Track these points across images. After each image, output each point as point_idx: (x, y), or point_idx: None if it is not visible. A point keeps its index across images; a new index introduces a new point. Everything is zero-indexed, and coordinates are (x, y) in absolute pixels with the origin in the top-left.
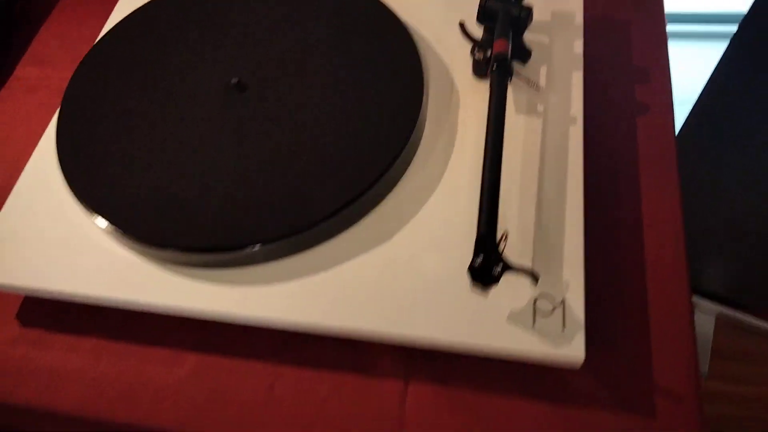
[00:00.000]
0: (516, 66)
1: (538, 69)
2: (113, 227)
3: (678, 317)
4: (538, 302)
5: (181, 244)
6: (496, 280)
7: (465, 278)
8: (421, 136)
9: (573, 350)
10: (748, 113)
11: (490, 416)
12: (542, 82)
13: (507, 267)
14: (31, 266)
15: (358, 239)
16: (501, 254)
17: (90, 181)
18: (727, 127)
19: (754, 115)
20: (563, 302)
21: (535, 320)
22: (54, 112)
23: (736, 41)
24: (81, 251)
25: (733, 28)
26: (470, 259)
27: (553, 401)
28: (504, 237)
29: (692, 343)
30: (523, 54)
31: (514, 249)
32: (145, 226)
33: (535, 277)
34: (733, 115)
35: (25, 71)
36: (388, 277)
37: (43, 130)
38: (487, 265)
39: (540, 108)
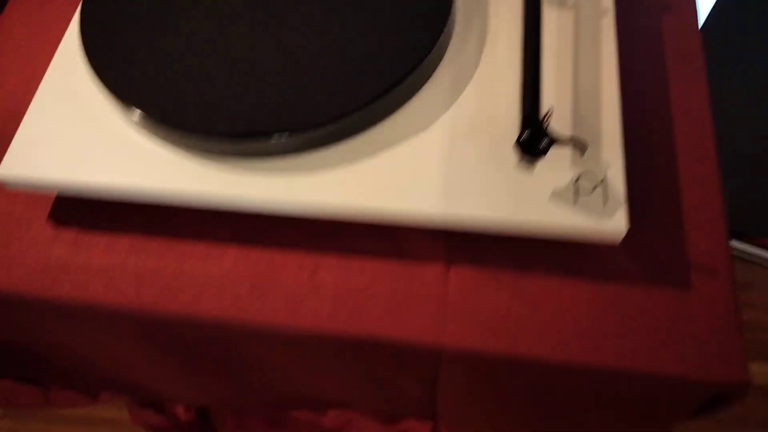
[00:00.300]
0: None
1: None
2: (147, 117)
3: (709, 195)
4: (579, 181)
5: (219, 131)
6: (543, 152)
7: (506, 161)
8: (454, 27)
9: (614, 224)
10: (748, 47)
11: (532, 295)
12: None
13: (554, 140)
14: (63, 162)
15: (396, 129)
16: (546, 129)
17: (119, 73)
18: (724, 59)
19: (752, 49)
20: (604, 179)
21: (577, 197)
22: (69, 22)
23: None
24: (114, 145)
25: None
26: (510, 143)
27: (592, 279)
28: (549, 113)
29: (724, 219)
30: None
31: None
32: (179, 114)
33: (583, 146)
34: (731, 51)
35: None
36: (428, 163)
37: (59, 41)
38: (535, 139)
39: (571, 1)
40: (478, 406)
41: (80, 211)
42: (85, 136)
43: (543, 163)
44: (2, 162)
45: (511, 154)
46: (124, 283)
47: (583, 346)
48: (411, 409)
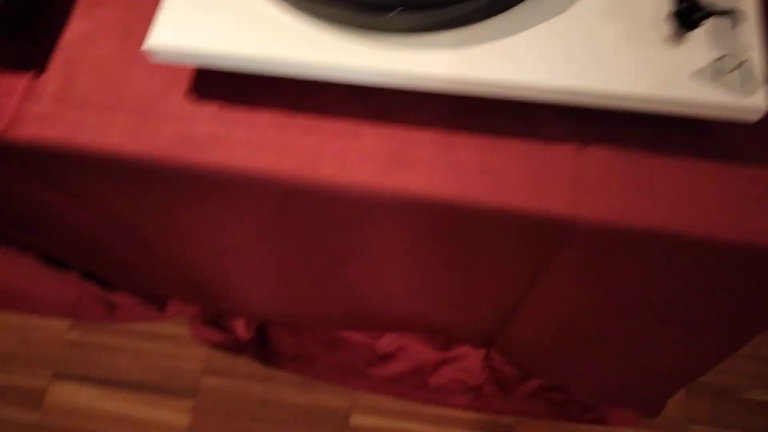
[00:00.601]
0: None
1: None
2: None
3: None
4: (720, 60)
5: (362, 3)
6: (697, 24)
7: (647, 38)
8: None
9: (754, 103)
10: None
11: (665, 173)
12: None
13: (709, 12)
14: (209, 33)
15: (537, 9)
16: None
17: None
18: None
19: None
20: (745, 60)
21: (718, 76)
22: None
23: None
24: (258, 17)
25: None
26: (651, 20)
27: (725, 158)
28: None
29: None
30: None
31: None
32: None
33: (739, 16)
34: None
35: None
36: (567, 41)
37: None
38: (689, 10)
39: None
40: (568, 307)
41: (221, 87)
42: (228, 8)
43: (683, 43)
44: (151, 33)
45: (652, 32)
46: (266, 154)
47: (714, 220)
48: (471, 328)
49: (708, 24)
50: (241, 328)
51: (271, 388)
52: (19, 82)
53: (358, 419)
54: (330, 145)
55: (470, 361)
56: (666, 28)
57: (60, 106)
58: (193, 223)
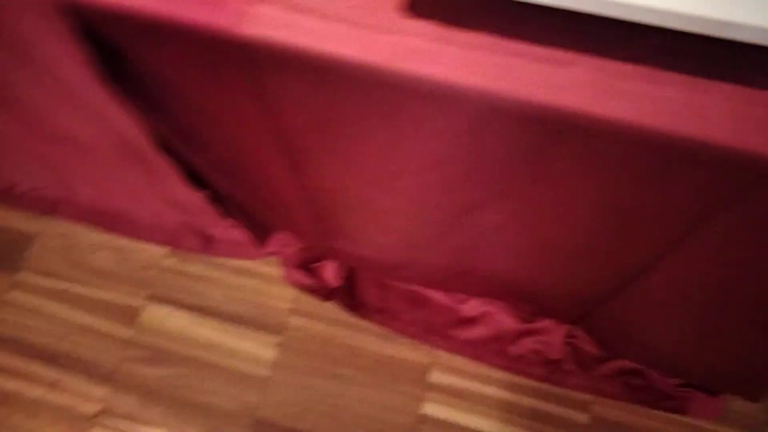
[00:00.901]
0: None
1: None
2: None
3: None
4: None
5: None
6: None
7: None
8: None
9: None
10: None
11: None
12: None
13: None
14: None
15: None
16: None
17: None
18: None
19: None
20: None
21: None
22: None
23: None
24: None
25: None
26: None
27: None
28: None
29: None
30: None
31: None
32: None
33: None
34: None
35: None
36: None
37: None
38: None
39: None
40: (714, 269)
41: (436, 5)
42: None
43: None
44: None
45: None
46: (475, 72)
47: None
48: (570, 295)
49: None
50: (330, 275)
51: (355, 336)
52: None
53: (436, 376)
54: (537, 70)
55: (552, 335)
56: None
57: (280, 10)
58: (367, 142)
